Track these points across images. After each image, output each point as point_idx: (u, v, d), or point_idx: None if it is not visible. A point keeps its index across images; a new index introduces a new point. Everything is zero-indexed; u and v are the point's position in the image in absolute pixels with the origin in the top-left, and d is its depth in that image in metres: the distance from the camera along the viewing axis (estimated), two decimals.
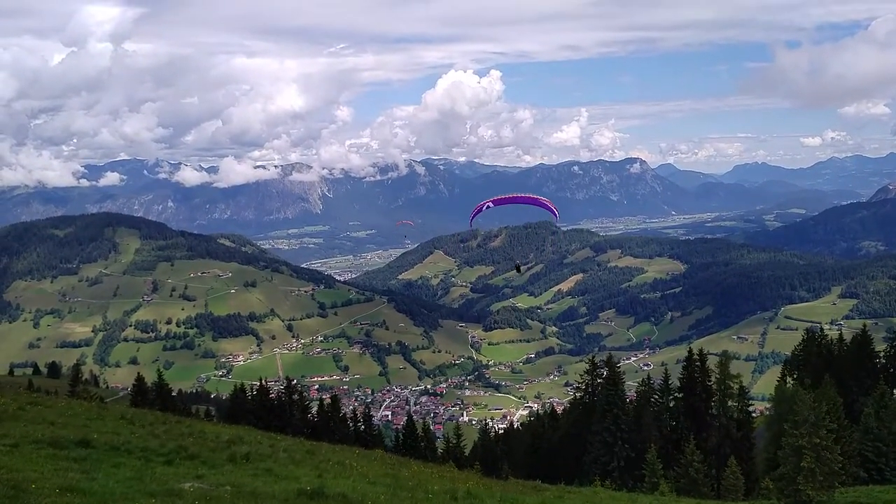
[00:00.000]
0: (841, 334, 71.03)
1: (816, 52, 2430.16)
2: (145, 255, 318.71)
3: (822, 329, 74.09)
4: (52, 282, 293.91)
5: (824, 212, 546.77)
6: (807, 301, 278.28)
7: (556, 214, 46.00)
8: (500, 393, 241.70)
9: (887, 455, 42.37)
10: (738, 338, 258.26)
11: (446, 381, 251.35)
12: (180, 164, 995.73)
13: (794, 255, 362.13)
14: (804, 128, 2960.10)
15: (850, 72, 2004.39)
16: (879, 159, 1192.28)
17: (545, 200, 45.33)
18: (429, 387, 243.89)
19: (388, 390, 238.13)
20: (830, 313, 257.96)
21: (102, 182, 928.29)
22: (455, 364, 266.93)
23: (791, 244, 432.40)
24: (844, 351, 64.81)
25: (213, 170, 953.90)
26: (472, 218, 47.22)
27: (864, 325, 69.14)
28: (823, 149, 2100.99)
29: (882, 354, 63.86)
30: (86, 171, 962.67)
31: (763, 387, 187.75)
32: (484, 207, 46.39)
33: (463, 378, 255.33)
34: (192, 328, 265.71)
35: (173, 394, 70.54)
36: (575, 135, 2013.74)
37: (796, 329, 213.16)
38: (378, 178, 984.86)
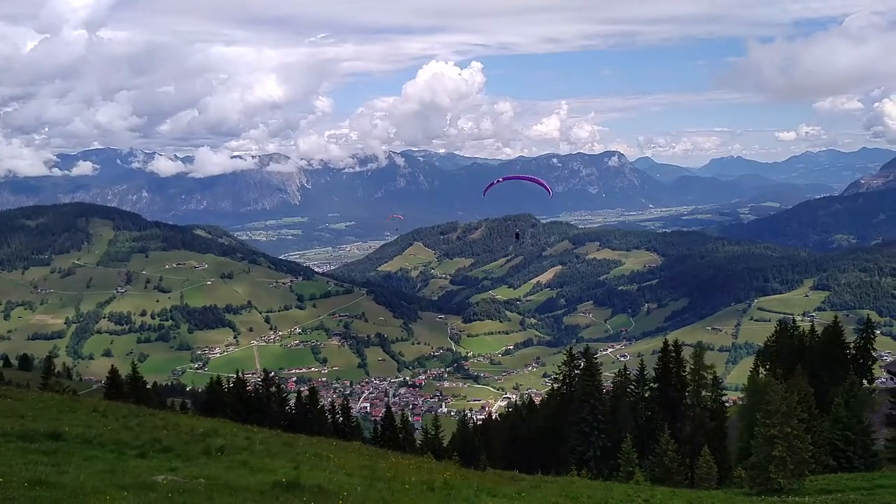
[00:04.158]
0: (813, 326, 72.28)
1: (790, 47, 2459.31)
2: (119, 246, 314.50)
3: (794, 321, 75.30)
4: (23, 273, 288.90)
5: (798, 205, 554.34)
6: (780, 293, 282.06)
7: (549, 192, 57.13)
8: (478, 384, 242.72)
9: (856, 444, 43.18)
10: (713, 329, 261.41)
11: (425, 372, 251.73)
12: (155, 153, 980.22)
13: (768, 247, 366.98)
14: (779, 122, 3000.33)
15: (823, 67, 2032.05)
16: (852, 154, 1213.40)
17: (542, 181, 57.29)
18: (408, 378, 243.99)
19: (366, 382, 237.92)
20: (803, 305, 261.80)
21: (75, 171, 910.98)
22: (434, 356, 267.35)
23: (765, 237, 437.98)
24: (816, 342, 65.94)
25: (188, 160, 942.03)
26: (486, 190, 58.02)
27: (836, 317, 70.38)
28: (798, 143, 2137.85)
29: (852, 346, 65.11)
30: (58, 160, 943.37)
31: (736, 377, 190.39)
32: (496, 181, 57.58)
33: (442, 370, 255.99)
34: (167, 320, 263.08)
35: (148, 386, 69.98)
36: (555, 127, 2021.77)
37: (769, 320, 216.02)
38: (357, 169, 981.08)
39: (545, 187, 58.76)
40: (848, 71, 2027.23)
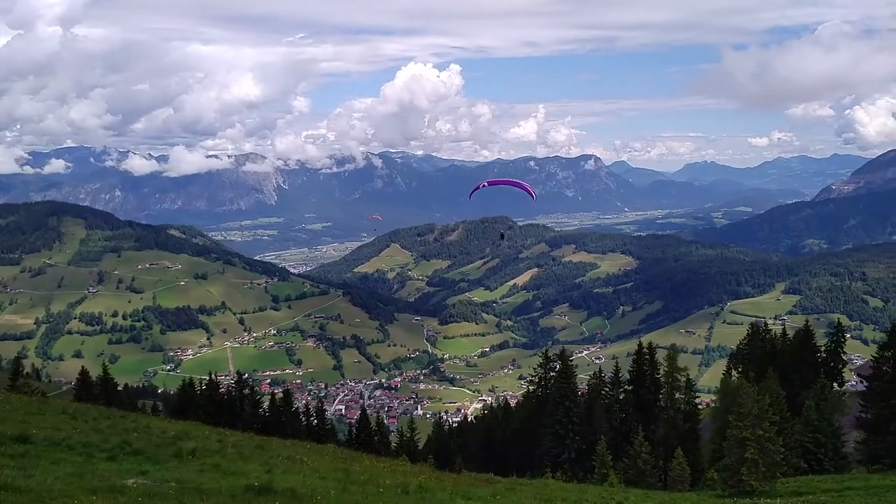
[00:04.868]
0: (784, 329, 73.01)
1: (763, 54, 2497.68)
2: (91, 245, 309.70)
3: (766, 324, 76.27)
4: None
5: (770, 210, 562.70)
6: (752, 296, 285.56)
7: (533, 196, 58.65)
8: (454, 386, 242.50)
9: (826, 446, 43.74)
10: (686, 332, 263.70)
11: (401, 374, 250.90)
12: (129, 152, 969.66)
13: (741, 251, 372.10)
14: (752, 128, 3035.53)
15: (795, 74, 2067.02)
16: (823, 160, 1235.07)
17: (527, 185, 59.31)
18: (383, 381, 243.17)
19: (342, 384, 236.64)
20: (774, 309, 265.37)
21: (47, 169, 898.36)
22: (410, 358, 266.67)
23: (738, 241, 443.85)
24: (787, 345, 66.65)
25: (163, 158, 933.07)
26: (472, 194, 59.27)
27: (807, 321, 71.41)
28: (770, 149, 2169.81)
29: (823, 349, 65.91)
30: (30, 157, 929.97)
31: (709, 380, 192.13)
32: (481, 186, 58.52)
33: (418, 372, 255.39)
34: (139, 321, 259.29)
35: (119, 388, 68.84)
36: (532, 131, 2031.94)
37: (741, 324, 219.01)
38: (335, 170, 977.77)
39: (529, 192, 59.52)
40: (820, 78, 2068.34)
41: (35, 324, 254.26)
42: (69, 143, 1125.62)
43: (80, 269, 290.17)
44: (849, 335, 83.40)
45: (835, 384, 63.07)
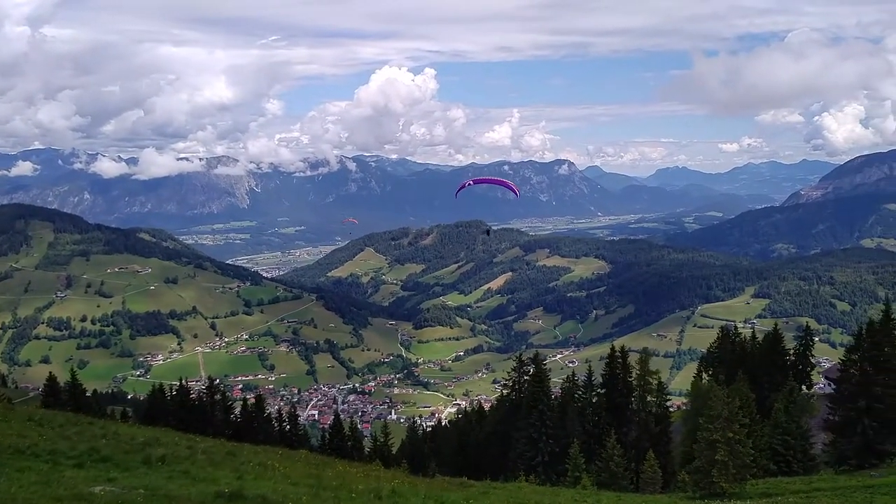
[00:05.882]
0: (754, 333, 74.08)
1: (733, 61, 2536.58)
2: (59, 249, 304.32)
3: (736, 327, 77.06)
4: None
5: (740, 215, 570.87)
6: (722, 300, 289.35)
7: (517, 194, 59.18)
8: (428, 391, 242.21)
9: (795, 448, 44.34)
10: (658, 335, 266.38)
11: (375, 379, 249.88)
12: (98, 154, 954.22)
13: (712, 256, 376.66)
14: (723, 134, 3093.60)
15: (765, 81, 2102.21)
16: (793, 166, 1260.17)
17: (511, 183, 60.43)
18: (357, 385, 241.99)
19: (315, 389, 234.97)
20: (744, 312, 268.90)
21: (14, 172, 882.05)
22: (384, 362, 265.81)
23: (708, 246, 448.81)
24: (757, 349, 67.55)
25: (132, 161, 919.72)
26: (458, 192, 59.26)
27: (776, 325, 72.30)
28: (741, 154, 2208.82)
29: (792, 352, 66.91)
30: None
31: (680, 383, 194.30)
32: (466, 184, 59.08)
33: (392, 376, 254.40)
34: (108, 326, 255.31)
35: (87, 394, 67.68)
36: (506, 135, 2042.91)
37: (712, 327, 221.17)
38: (308, 173, 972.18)
39: (513, 190, 60.40)
40: (789, 85, 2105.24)
41: (1, 328, 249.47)
42: (37, 145, 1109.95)
43: (48, 273, 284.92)
44: (817, 338, 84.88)
45: (803, 387, 64.05)
